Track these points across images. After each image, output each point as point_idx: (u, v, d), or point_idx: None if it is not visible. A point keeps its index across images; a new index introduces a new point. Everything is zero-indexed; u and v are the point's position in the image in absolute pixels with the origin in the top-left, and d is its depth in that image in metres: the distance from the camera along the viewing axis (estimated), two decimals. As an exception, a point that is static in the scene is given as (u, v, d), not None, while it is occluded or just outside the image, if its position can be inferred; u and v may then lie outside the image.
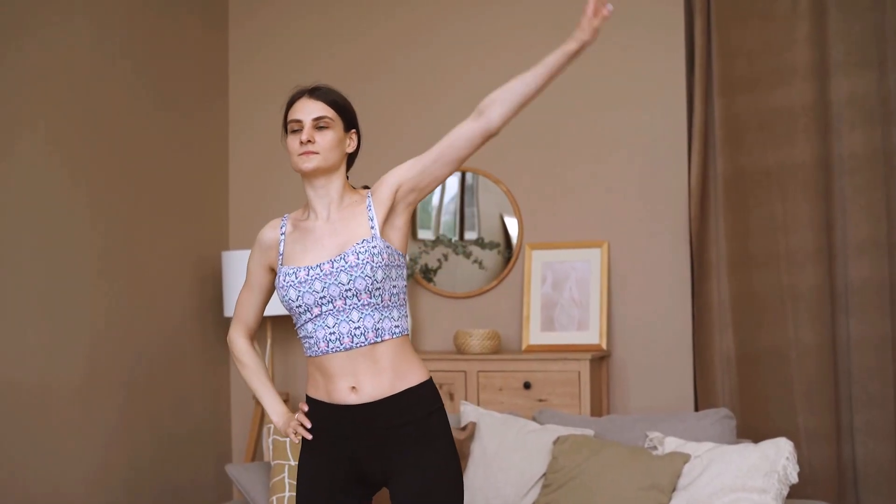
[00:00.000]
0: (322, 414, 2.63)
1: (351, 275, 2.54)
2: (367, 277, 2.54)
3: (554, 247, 4.72)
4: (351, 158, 2.77)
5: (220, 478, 4.98)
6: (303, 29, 5.20)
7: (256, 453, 4.87)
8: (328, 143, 2.64)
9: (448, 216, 4.97)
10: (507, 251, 4.84)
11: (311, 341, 2.60)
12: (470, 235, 4.91)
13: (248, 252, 4.62)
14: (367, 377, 2.56)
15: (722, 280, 4.46)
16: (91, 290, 4.23)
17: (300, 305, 2.59)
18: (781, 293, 4.39)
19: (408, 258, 4.88)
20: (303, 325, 2.62)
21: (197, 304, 4.91)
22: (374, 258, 2.55)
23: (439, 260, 4.91)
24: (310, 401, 2.67)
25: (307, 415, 2.67)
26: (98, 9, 4.32)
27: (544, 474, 3.82)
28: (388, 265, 2.58)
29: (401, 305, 2.63)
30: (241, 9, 5.28)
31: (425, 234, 4.97)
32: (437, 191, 4.95)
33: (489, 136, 2.64)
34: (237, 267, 4.65)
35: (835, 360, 4.32)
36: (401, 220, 2.66)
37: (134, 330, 4.46)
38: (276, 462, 3.88)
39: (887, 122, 4.28)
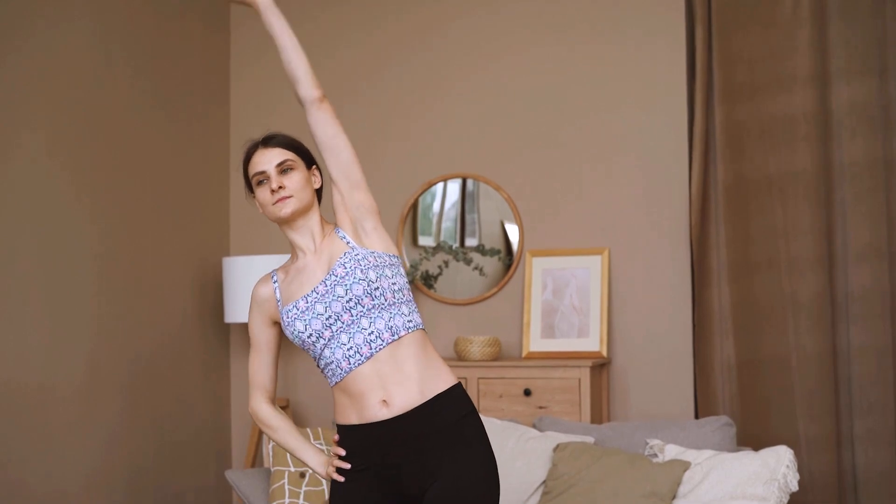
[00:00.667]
0: (355, 437, 2.60)
1: (345, 284, 2.54)
2: (361, 281, 2.54)
3: (554, 254, 4.72)
4: (318, 194, 2.76)
5: (219, 483, 4.98)
6: (304, 32, 5.14)
7: (256, 459, 4.87)
8: (297, 183, 2.65)
9: (449, 223, 4.97)
10: (508, 258, 4.84)
11: (333, 366, 2.58)
12: (470, 242, 4.91)
13: (249, 258, 4.64)
14: (394, 386, 2.53)
15: (722, 287, 4.46)
16: (92, 295, 4.23)
17: (310, 335, 2.58)
18: (782, 300, 4.39)
19: (408, 264, 4.88)
20: (321, 354, 2.60)
21: (198, 310, 4.91)
22: (361, 263, 2.56)
23: (440, 266, 4.91)
24: (340, 429, 2.63)
25: (339, 444, 2.64)
26: (99, 13, 4.33)
27: (544, 481, 3.82)
28: (377, 265, 2.57)
29: (408, 301, 2.62)
30: (242, 11, 5.28)
31: (426, 241, 4.97)
32: (438, 197, 4.95)
33: (320, 102, 2.67)
34: (238, 272, 4.65)
35: (835, 368, 4.32)
36: (369, 224, 2.64)
37: (135, 334, 4.46)
38: (275, 468, 3.88)
39: (888, 129, 4.29)
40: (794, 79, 4.39)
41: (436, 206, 4.98)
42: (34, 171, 3.97)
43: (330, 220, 2.74)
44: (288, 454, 3.81)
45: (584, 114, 4.75)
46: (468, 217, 4.94)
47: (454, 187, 4.93)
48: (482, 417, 4.03)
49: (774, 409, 4.38)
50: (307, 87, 2.65)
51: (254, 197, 2.70)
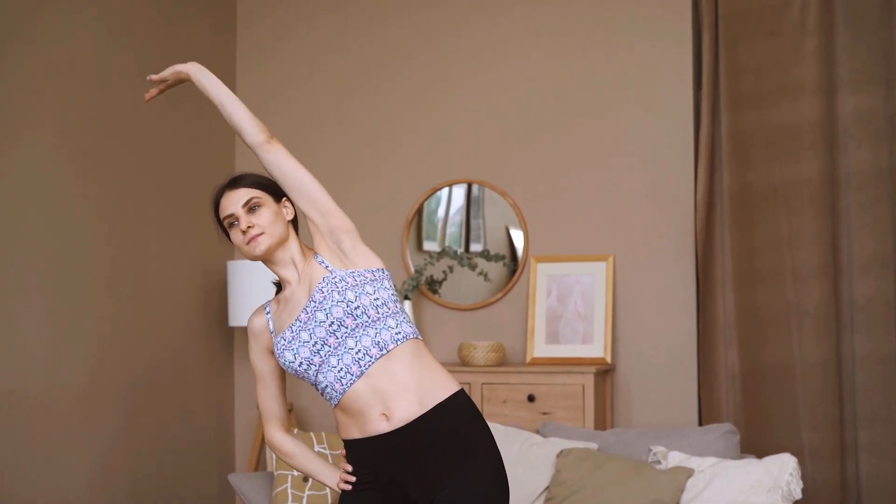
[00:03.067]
0: (360, 450, 2.61)
1: (324, 308, 2.55)
2: (339, 303, 2.54)
3: (559, 260, 4.72)
4: (295, 224, 2.76)
5: (222, 487, 4.98)
6: (310, 34, 5.22)
7: (259, 463, 4.87)
8: (267, 219, 2.66)
9: (454, 228, 4.97)
10: (513, 263, 4.84)
11: (329, 389, 2.59)
12: (475, 247, 4.91)
13: (254, 264, 4.63)
14: (393, 399, 2.54)
15: (727, 295, 4.46)
16: (96, 299, 4.24)
17: (301, 363, 2.59)
18: (787, 309, 4.39)
19: (412, 269, 4.89)
20: (315, 380, 2.61)
21: (202, 315, 4.91)
22: (338, 285, 2.56)
23: (444, 272, 4.91)
24: (346, 444, 2.65)
25: (346, 457, 2.66)
26: (106, 14, 4.33)
27: (547, 487, 3.82)
28: (356, 285, 2.57)
29: (395, 313, 2.61)
30: (249, 13, 5.30)
31: (431, 246, 4.98)
32: (444, 202, 4.96)
33: (268, 144, 2.63)
34: (243, 277, 4.66)
35: (839, 377, 4.32)
36: (347, 244, 2.64)
37: (138, 338, 4.46)
38: (279, 472, 3.88)
39: (894, 139, 4.29)
40: (800, 88, 4.40)
41: (441, 212, 4.99)
42: (38, 173, 3.97)
43: (311, 246, 2.74)
44: None
45: (591, 121, 4.75)
46: (473, 222, 4.94)
47: (459, 192, 4.94)
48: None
49: (778, 417, 4.38)
50: (252, 134, 2.63)
51: (230, 241, 2.72)
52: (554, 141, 4.80)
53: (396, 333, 2.58)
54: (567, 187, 4.77)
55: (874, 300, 4.29)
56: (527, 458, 3.89)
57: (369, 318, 2.56)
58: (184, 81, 2.77)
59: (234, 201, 2.68)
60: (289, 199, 2.74)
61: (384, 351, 2.56)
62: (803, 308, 4.36)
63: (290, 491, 3.82)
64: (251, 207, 2.66)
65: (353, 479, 2.62)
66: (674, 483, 3.63)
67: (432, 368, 2.61)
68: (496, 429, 4.01)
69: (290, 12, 5.26)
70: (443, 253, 4.88)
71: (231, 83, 5.25)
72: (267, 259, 2.69)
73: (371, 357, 2.55)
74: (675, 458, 3.78)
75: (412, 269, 4.92)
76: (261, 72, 5.25)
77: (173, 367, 4.69)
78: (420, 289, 4.89)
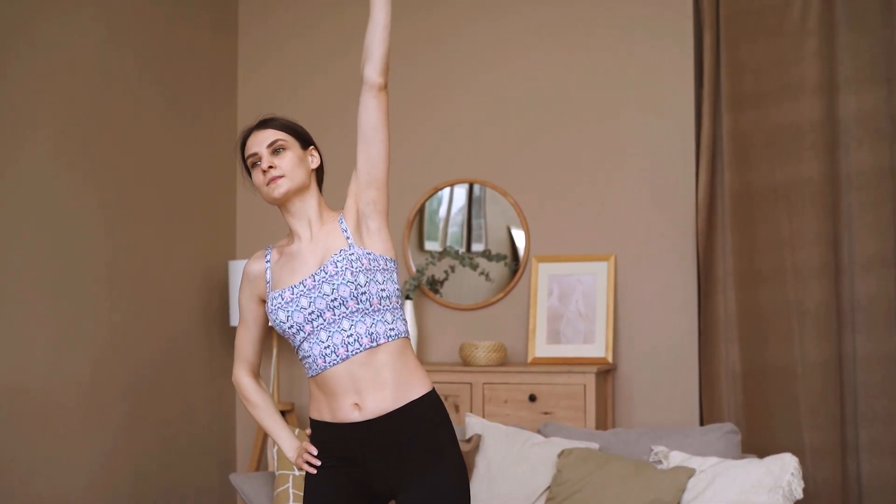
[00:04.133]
0: (327, 434, 2.61)
1: (333, 284, 2.53)
2: (349, 283, 2.53)
3: (561, 259, 4.72)
4: (319, 178, 2.74)
5: (223, 487, 4.98)
6: (312, 35, 5.22)
7: (261, 463, 4.87)
8: (290, 163, 2.63)
9: (455, 228, 4.97)
10: (514, 263, 4.84)
11: (309, 360, 2.59)
12: (477, 247, 4.91)
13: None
14: (368, 392, 2.54)
15: (728, 295, 4.46)
16: (98, 298, 4.24)
17: (291, 326, 2.58)
18: (788, 309, 4.39)
19: (414, 269, 4.89)
20: (299, 345, 2.61)
21: (203, 313, 4.91)
22: (353, 264, 2.54)
23: (446, 271, 4.91)
24: (313, 423, 2.65)
25: (312, 437, 2.66)
26: (107, 16, 4.34)
27: (548, 487, 3.82)
28: (369, 269, 2.56)
29: (394, 309, 2.60)
30: (250, 15, 5.30)
31: (432, 246, 4.98)
32: (445, 202, 4.95)
33: (379, 91, 2.63)
34: (244, 276, 4.66)
35: (840, 377, 4.32)
36: (375, 223, 2.62)
37: (140, 337, 4.47)
38: (280, 472, 3.88)
39: (895, 138, 4.28)
40: (801, 88, 4.39)
41: (442, 211, 4.99)
42: (40, 174, 3.98)
43: (334, 207, 2.72)
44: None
45: (592, 120, 4.75)
46: (474, 222, 4.94)
47: (461, 192, 4.94)
48: (486, 422, 4.06)
49: (779, 417, 4.38)
50: (376, 70, 2.63)
51: (252, 181, 2.69)
52: (555, 141, 4.80)
53: (390, 329, 2.58)
54: (568, 187, 4.77)
55: (875, 300, 4.29)
56: (528, 458, 3.89)
57: (371, 306, 2.56)
58: None
59: (260, 141, 2.66)
60: (316, 149, 2.72)
61: (374, 343, 2.55)
62: (804, 308, 4.36)
63: (290, 491, 3.82)
64: (276, 149, 2.64)
65: (318, 462, 2.62)
66: (675, 483, 3.62)
67: (412, 367, 2.61)
68: (498, 428, 4.01)
69: (292, 14, 5.26)
70: (444, 253, 4.88)
71: (232, 84, 5.25)
72: (284, 205, 2.66)
73: (360, 346, 2.54)
74: (676, 458, 3.78)
75: (413, 269, 4.92)
76: (262, 73, 5.25)
77: (174, 366, 4.69)
78: (421, 288, 4.89)
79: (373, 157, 2.60)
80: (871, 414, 4.28)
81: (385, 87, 2.61)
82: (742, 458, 3.82)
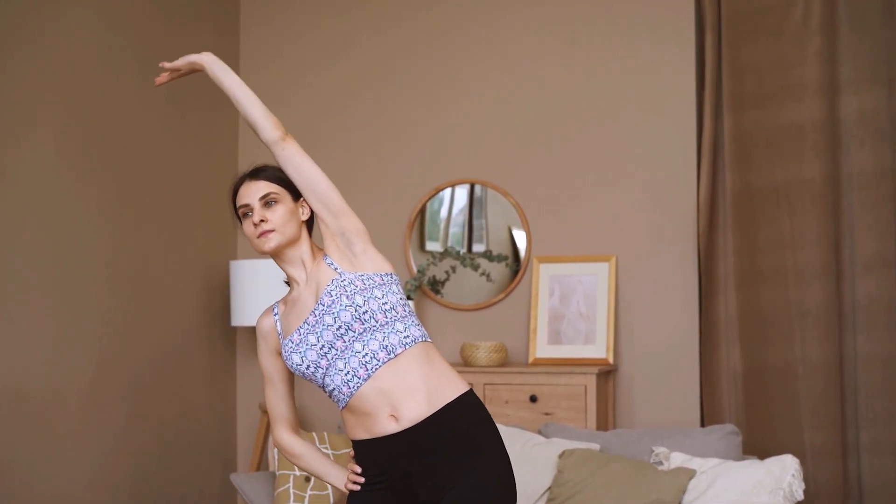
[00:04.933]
0: (367, 450, 2.61)
1: (333, 312, 2.55)
2: (347, 308, 2.54)
3: (562, 260, 4.72)
4: (309, 226, 2.76)
5: (224, 487, 4.98)
6: (314, 36, 5.22)
7: (262, 462, 4.87)
8: (280, 217, 2.65)
9: (456, 228, 4.97)
10: (515, 264, 4.84)
11: (336, 392, 2.59)
12: (478, 248, 4.91)
13: (256, 262, 4.64)
14: (401, 401, 2.53)
15: (729, 296, 4.46)
16: (99, 298, 4.24)
17: (308, 366, 2.59)
18: (789, 309, 4.39)
19: (415, 270, 4.89)
20: (322, 382, 2.61)
21: (204, 313, 4.91)
22: (347, 288, 2.56)
23: (447, 272, 4.91)
24: (355, 445, 2.65)
25: (356, 459, 2.66)
26: (108, 15, 4.34)
27: (549, 488, 3.82)
28: (365, 289, 2.57)
29: (404, 317, 2.61)
30: (252, 15, 5.30)
31: (433, 246, 4.98)
32: (446, 202, 4.96)
33: (282, 141, 2.61)
34: (245, 276, 4.66)
35: (841, 378, 4.31)
36: (358, 247, 2.63)
37: (141, 337, 4.47)
38: (280, 472, 3.88)
39: (896, 139, 4.29)
40: (803, 88, 4.39)
41: (443, 212, 4.99)
42: (40, 174, 3.98)
43: (321, 247, 2.73)
44: None
45: (593, 121, 4.75)
46: (476, 223, 4.94)
47: (462, 193, 4.94)
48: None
49: (780, 417, 4.38)
50: (267, 130, 2.61)
51: (243, 230, 2.71)
52: (556, 141, 4.80)
53: (405, 337, 2.58)
54: (569, 188, 4.77)
55: (876, 300, 4.28)
56: (529, 459, 3.89)
57: (377, 322, 2.56)
58: (197, 71, 2.75)
59: (252, 192, 2.67)
60: (306, 201, 2.73)
61: (392, 355, 2.55)
62: (805, 308, 4.35)
63: (291, 491, 3.82)
64: (267, 202, 2.65)
65: (362, 479, 2.62)
66: (676, 484, 3.62)
67: (441, 370, 2.61)
68: (499, 429, 4.01)
69: (294, 14, 5.26)
70: (445, 253, 4.88)
71: (234, 83, 5.24)
72: (276, 256, 2.69)
73: (378, 361, 2.54)
74: (677, 459, 3.78)
75: (415, 270, 4.92)
76: (264, 73, 5.24)
77: (175, 366, 4.69)
78: (422, 289, 4.89)
79: (321, 195, 2.61)
80: (871, 414, 4.27)
81: (285, 134, 2.62)
82: (743, 459, 3.82)
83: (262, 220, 2.63)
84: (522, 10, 4.88)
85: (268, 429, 4.74)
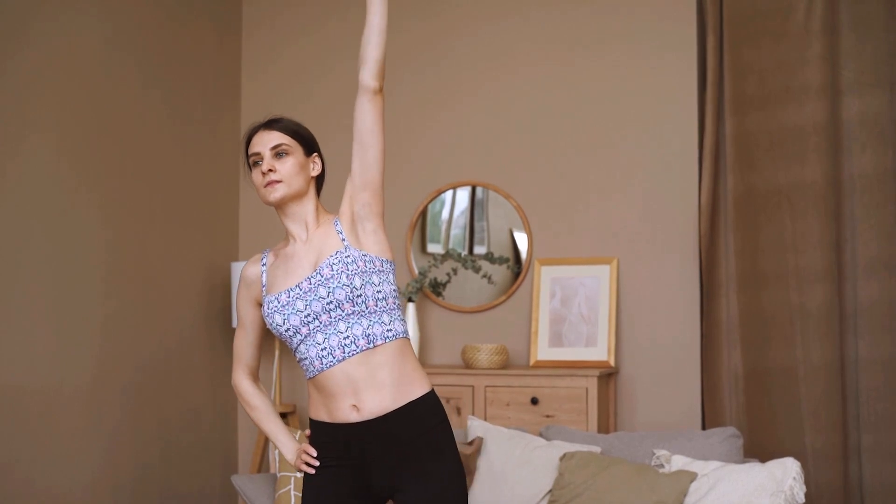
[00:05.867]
0: (325, 434, 2.62)
1: (329, 287, 2.54)
2: (344, 286, 2.54)
3: (563, 262, 4.72)
4: (319, 183, 2.76)
5: (225, 488, 4.98)
6: (316, 38, 5.22)
7: (262, 464, 4.87)
8: (289, 169, 2.65)
9: (458, 230, 4.97)
10: (517, 266, 4.84)
11: (306, 362, 2.60)
12: (479, 250, 4.91)
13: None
14: (366, 393, 2.55)
15: (731, 298, 4.46)
16: (100, 298, 4.24)
17: (288, 329, 2.59)
18: (790, 312, 4.39)
19: (416, 271, 4.89)
20: (296, 348, 2.62)
21: (205, 314, 4.91)
22: (349, 266, 2.55)
23: (448, 274, 4.91)
24: (312, 424, 2.66)
25: (311, 438, 2.67)
26: (110, 17, 4.34)
27: (550, 490, 3.82)
28: (365, 272, 2.57)
29: (391, 310, 2.61)
30: (254, 17, 5.30)
31: (435, 248, 4.98)
32: (448, 204, 4.95)
33: (374, 94, 2.61)
34: (246, 278, 4.66)
35: (843, 380, 4.31)
36: (371, 225, 2.63)
37: (142, 338, 4.47)
38: (282, 474, 3.88)
39: (898, 142, 4.29)
40: (805, 90, 4.39)
41: (445, 214, 4.99)
42: (42, 175, 3.98)
43: (331, 210, 2.73)
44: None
45: (595, 123, 4.75)
46: (477, 225, 4.94)
47: (463, 195, 4.94)
48: (488, 425, 4.06)
49: (781, 420, 4.38)
50: (371, 74, 2.62)
51: (252, 178, 2.71)
52: (558, 143, 4.79)
53: (388, 330, 2.58)
54: (571, 190, 4.77)
55: (878, 303, 4.28)
56: (530, 461, 3.89)
57: (367, 308, 2.56)
58: None
59: (265, 141, 2.67)
60: (319, 156, 2.73)
61: (371, 345, 2.56)
62: (807, 311, 4.35)
63: (292, 493, 3.82)
64: (278, 153, 2.66)
65: (316, 463, 2.62)
66: (677, 487, 3.62)
67: (411, 368, 2.61)
68: (500, 431, 4.01)
69: (296, 17, 5.27)
70: (447, 255, 4.88)
71: (235, 87, 5.25)
72: (279, 208, 2.68)
73: (357, 347, 2.55)
74: (678, 462, 3.78)
75: (416, 272, 4.92)
76: (265, 76, 5.25)
77: (177, 367, 4.70)
78: (424, 291, 4.89)
79: (368, 160, 2.61)
80: (873, 417, 4.27)
81: (380, 90, 2.61)
82: (744, 462, 3.82)
83: (270, 170, 2.63)
84: (524, 14, 4.88)
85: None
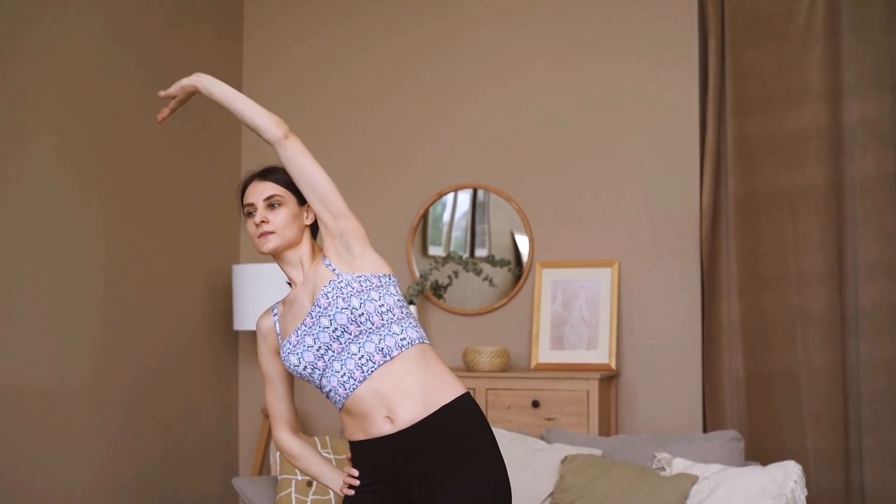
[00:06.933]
0: (363, 451, 2.62)
1: (329, 314, 2.56)
2: (344, 310, 2.55)
3: (564, 265, 4.72)
4: (314, 229, 2.77)
5: (226, 490, 4.98)
6: (317, 43, 5.22)
7: (263, 467, 4.87)
8: (282, 220, 2.67)
9: (459, 233, 4.97)
10: (518, 269, 4.84)
11: (332, 393, 2.61)
12: (480, 252, 4.91)
13: (258, 266, 4.65)
14: (397, 402, 2.55)
15: (732, 301, 4.46)
16: (100, 300, 4.24)
17: (305, 367, 2.62)
18: (791, 315, 4.39)
19: (417, 274, 4.89)
20: (319, 384, 2.64)
21: (207, 317, 4.91)
22: (343, 290, 2.57)
23: (449, 277, 4.91)
24: (351, 446, 2.67)
25: (352, 460, 2.68)
26: (111, 19, 4.34)
27: (551, 493, 3.82)
28: (362, 290, 2.58)
29: (400, 319, 2.62)
30: (255, 19, 5.30)
31: (436, 251, 4.98)
32: (449, 207, 4.96)
33: (284, 141, 2.61)
34: (247, 280, 4.66)
35: (844, 383, 4.31)
36: (357, 248, 2.64)
37: (143, 341, 4.47)
38: (283, 476, 3.88)
39: (900, 145, 4.29)
40: (806, 94, 4.39)
41: (446, 216, 4.99)
42: (43, 176, 3.98)
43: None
44: None
45: (596, 126, 4.75)
46: (478, 227, 4.94)
47: (465, 197, 4.93)
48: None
49: (783, 423, 4.37)
50: (269, 130, 2.63)
51: (247, 228, 2.74)
52: (559, 146, 4.79)
53: (402, 339, 2.59)
54: (572, 192, 4.77)
55: (879, 306, 4.28)
56: (531, 464, 3.89)
57: (374, 324, 2.57)
58: (193, 94, 2.79)
59: (258, 193, 2.70)
60: (307, 199, 2.74)
61: (388, 357, 2.57)
62: (808, 314, 4.35)
63: (294, 495, 3.82)
64: (271, 204, 2.69)
65: (357, 482, 2.63)
66: (678, 490, 3.62)
67: (438, 372, 2.62)
68: (501, 434, 4.01)
69: (297, 19, 5.27)
70: (448, 258, 4.88)
71: (237, 90, 5.23)
72: (276, 256, 2.72)
73: (374, 363, 2.56)
74: (679, 465, 3.78)
75: (417, 274, 4.92)
76: (267, 79, 5.25)
77: (178, 370, 4.69)
78: (425, 294, 4.88)
79: (321, 195, 2.62)
80: (874, 420, 4.27)
81: (287, 133, 2.62)
82: (745, 465, 3.82)
83: (262, 221, 2.66)
84: (526, 17, 4.88)
85: (269, 432, 4.73)
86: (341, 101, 5.16)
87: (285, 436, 2.83)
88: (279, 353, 2.74)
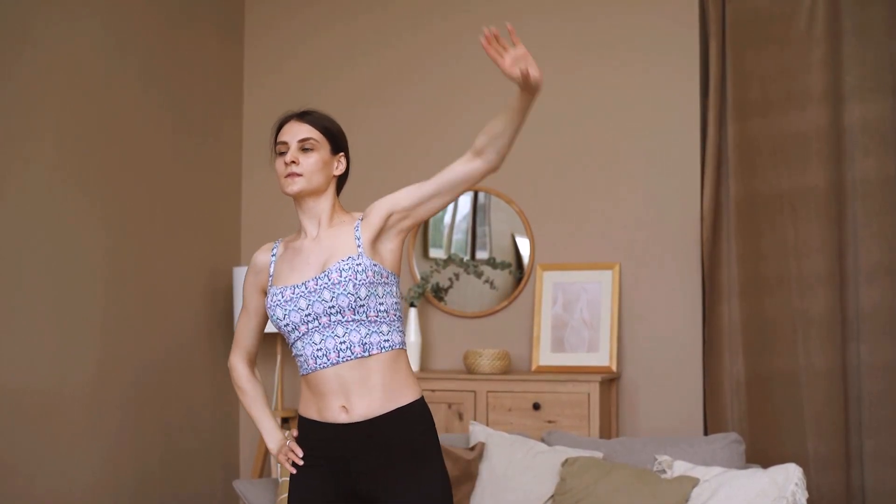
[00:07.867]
0: (313, 433, 2.64)
1: (333, 292, 2.56)
2: (349, 295, 2.55)
3: (565, 268, 4.72)
4: (340, 182, 2.77)
5: (227, 493, 4.98)
6: (319, 46, 5.23)
7: (264, 469, 4.87)
8: (312, 165, 2.66)
9: (460, 235, 4.97)
10: (519, 271, 4.84)
11: (301, 359, 2.63)
12: (481, 255, 4.91)
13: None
14: (357, 397, 2.57)
15: (733, 304, 4.46)
16: (101, 302, 4.24)
17: (287, 324, 2.62)
18: (792, 317, 4.38)
19: (418, 276, 4.89)
20: (293, 343, 2.65)
21: (207, 319, 4.91)
22: (358, 276, 2.56)
23: (450, 279, 4.91)
24: (301, 420, 2.68)
25: (299, 435, 2.69)
26: (112, 24, 4.34)
27: (552, 496, 3.81)
28: (373, 283, 2.58)
29: (391, 321, 2.63)
30: (257, 24, 5.31)
31: (437, 253, 4.98)
32: (450, 210, 4.96)
33: (490, 173, 2.67)
34: (248, 282, 4.66)
35: (845, 386, 4.31)
36: (392, 244, 2.65)
37: (144, 342, 4.47)
38: (283, 479, 3.88)
39: (901, 148, 4.29)
40: (807, 96, 4.39)
41: (447, 219, 4.99)
42: (44, 178, 3.98)
43: (349, 210, 2.75)
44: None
45: (597, 128, 4.75)
46: (479, 230, 4.94)
47: (465, 200, 4.94)
48: (490, 430, 4.06)
49: (784, 426, 4.37)
50: (494, 155, 2.66)
51: (275, 165, 2.72)
52: (560, 148, 4.79)
53: (385, 341, 2.60)
54: (573, 195, 4.77)
55: (880, 308, 4.28)
56: (532, 467, 3.89)
57: (367, 318, 2.58)
58: (524, 80, 2.70)
59: (294, 132, 2.69)
60: (345, 156, 2.75)
61: (366, 353, 2.58)
62: (809, 316, 4.35)
63: (294, 498, 3.82)
64: (304, 147, 2.68)
65: (301, 462, 2.65)
66: (679, 492, 3.62)
67: (403, 375, 2.63)
68: (502, 436, 4.01)
69: (299, 23, 5.27)
70: (449, 260, 4.88)
71: (238, 93, 5.26)
72: (296, 201, 2.70)
73: (352, 353, 2.57)
74: (680, 468, 3.78)
75: (418, 277, 4.92)
76: (269, 82, 5.25)
77: (178, 371, 4.70)
78: (426, 296, 4.89)
79: (434, 204, 2.64)
80: (875, 423, 4.27)
81: (485, 160, 2.66)
82: (746, 467, 3.81)
83: (293, 161, 2.64)
84: (527, 20, 4.88)
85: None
86: (342, 105, 5.14)
87: (240, 364, 2.85)
88: (264, 291, 2.74)
